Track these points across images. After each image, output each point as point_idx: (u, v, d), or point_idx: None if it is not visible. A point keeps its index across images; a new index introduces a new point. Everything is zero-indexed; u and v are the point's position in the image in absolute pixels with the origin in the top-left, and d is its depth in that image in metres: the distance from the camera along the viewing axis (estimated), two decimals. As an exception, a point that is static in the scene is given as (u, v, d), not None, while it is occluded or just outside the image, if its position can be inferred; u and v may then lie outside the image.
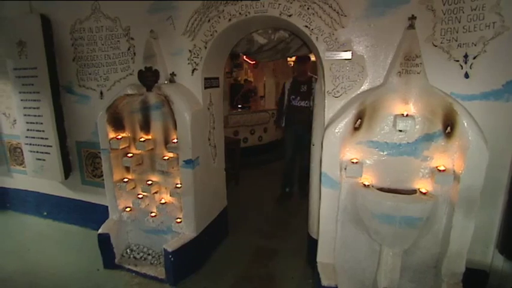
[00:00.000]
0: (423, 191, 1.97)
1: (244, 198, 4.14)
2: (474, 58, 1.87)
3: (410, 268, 2.12)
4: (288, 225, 3.46)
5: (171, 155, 2.57)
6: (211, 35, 2.40)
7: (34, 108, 3.14)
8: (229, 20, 2.32)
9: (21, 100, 3.19)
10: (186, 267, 2.55)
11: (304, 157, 3.76)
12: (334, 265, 2.21)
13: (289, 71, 8.37)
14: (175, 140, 2.50)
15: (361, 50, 2.09)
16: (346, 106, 2.14)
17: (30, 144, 3.27)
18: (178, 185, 2.56)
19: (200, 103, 2.57)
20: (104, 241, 2.68)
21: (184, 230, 2.58)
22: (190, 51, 2.49)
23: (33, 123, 3.18)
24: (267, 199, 4.14)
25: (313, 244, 2.46)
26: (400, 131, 1.97)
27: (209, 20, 2.37)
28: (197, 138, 2.49)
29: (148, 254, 2.81)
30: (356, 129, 2.08)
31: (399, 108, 1.97)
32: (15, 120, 3.44)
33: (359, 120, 2.06)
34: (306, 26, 2.16)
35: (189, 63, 2.52)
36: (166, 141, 2.59)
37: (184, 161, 2.44)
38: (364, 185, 2.07)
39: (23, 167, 3.50)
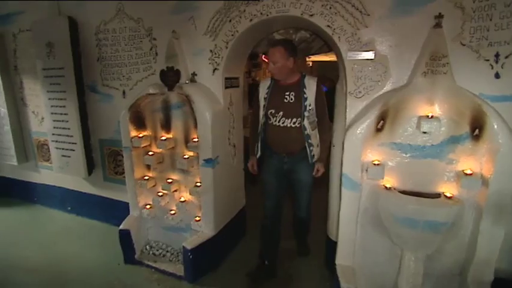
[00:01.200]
0: (448, 195, 1.90)
1: (261, 198, 4.12)
2: (506, 57, 1.78)
3: (433, 274, 2.06)
4: (306, 227, 3.42)
5: (191, 153, 2.60)
6: (232, 35, 2.41)
7: (60, 106, 3.25)
8: (251, 20, 2.32)
9: (49, 99, 3.31)
10: (204, 265, 2.57)
11: (301, 204, 2.56)
12: (353, 268, 2.18)
13: (308, 71, 8.33)
14: (195, 139, 2.53)
15: (385, 50, 2.05)
16: (368, 107, 2.10)
17: (57, 141, 3.39)
18: (198, 184, 2.59)
19: (221, 103, 2.58)
20: (125, 237, 2.74)
21: (203, 228, 2.61)
22: (211, 51, 2.51)
23: (60, 121, 3.29)
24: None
25: (331, 246, 2.43)
26: (425, 132, 1.91)
27: (230, 20, 2.39)
28: (217, 138, 2.51)
29: (167, 251, 2.85)
30: (378, 130, 2.03)
31: (424, 109, 1.91)
32: (43, 118, 3.57)
33: (381, 122, 2.01)
34: (328, 26, 2.14)
35: (210, 63, 2.54)
36: (187, 140, 2.62)
37: (204, 159, 2.46)
38: (386, 187, 2.03)
39: (50, 163, 3.63)
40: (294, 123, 2.26)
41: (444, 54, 1.83)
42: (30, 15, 3.29)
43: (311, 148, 2.29)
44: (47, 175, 3.82)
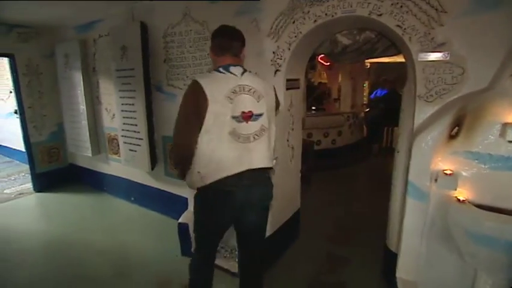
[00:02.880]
0: (538, 214, 1.68)
1: (315, 202, 4.05)
2: None
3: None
4: (361, 234, 3.28)
5: (248, 153, 2.63)
6: (295, 36, 2.39)
7: (130, 104, 3.52)
8: (315, 21, 2.28)
9: (120, 97, 3.61)
10: (257, 264, 2.59)
11: None
12: (416, 283, 2.04)
13: (366, 73, 8.01)
14: (254, 140, 2.56)
15: (462, 50, 1.87)
16: (440, 112, 1.94)
17: (125, 136, 3.68)
18: (255, 184, 2.61)
19: (281, 104, 2.58)
20: (183, 230, 2.86)
21: (257, 228, 2.63)
22: (273, 52, 2.52)
23: (129, 118, 3.57)
24: (338, 204, 4.01)
25: (390, 257, 2.30)
26: (511, 142, 1.72)
27: (294, 22, 2.37)
28: (277, 139, 2.50)
29: (222, 247, 2.91)
30: (452, 137, 1.88)
31: (511, 115, 1.71)
32: (114, 115, 3.90)
33: (456, 128, 1.86)
34: (398, 26, 2.02)
35: (272, 64, 2.55)
36: (245, 140, 2.66)
37: (263, 160, 2.47)
38: (459, 199, 1.85)
39: (118, 156, 3.96)
40: None
41: (540, 54, 1.62)
42: (108, 21, 3.63)
43: None
44: (115, 167, 4.18)
